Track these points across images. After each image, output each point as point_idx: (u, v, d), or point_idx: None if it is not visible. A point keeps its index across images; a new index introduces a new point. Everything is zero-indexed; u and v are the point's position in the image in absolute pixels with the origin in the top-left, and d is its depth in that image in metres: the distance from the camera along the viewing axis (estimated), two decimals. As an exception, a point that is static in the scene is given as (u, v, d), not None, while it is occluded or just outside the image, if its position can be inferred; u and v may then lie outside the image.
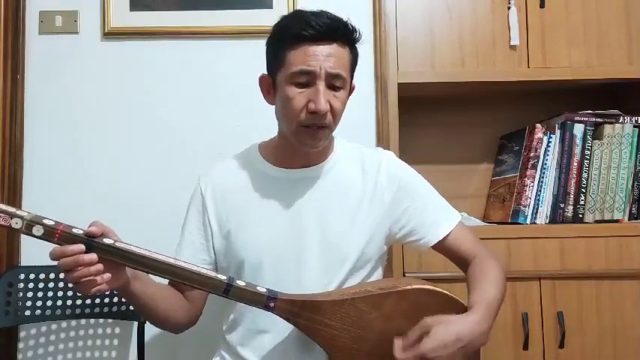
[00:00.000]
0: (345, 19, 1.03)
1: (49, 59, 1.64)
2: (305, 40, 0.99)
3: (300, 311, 0.96)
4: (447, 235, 1.12)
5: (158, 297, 1.04)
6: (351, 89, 1.10)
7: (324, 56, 0.99)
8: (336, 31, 1.00)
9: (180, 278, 0.91)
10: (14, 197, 1.57)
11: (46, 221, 0.87)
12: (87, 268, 0.86)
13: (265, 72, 1.09)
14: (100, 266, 0.87)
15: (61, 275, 1.46)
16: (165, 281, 1.02)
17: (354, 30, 1.03)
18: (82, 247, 0.86)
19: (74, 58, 1.64)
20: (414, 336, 0.91)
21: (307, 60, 0.99)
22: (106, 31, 1.63)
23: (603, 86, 1.67)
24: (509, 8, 1.57)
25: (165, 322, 1.09)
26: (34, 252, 1.56)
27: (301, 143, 1.04)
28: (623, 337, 1.44)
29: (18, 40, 1.61)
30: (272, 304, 0.95)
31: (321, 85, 0.99)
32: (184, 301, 1.10)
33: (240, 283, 0.94)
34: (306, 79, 0.99)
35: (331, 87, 1.00)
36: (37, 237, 0.87)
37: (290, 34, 1.00)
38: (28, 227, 0.86)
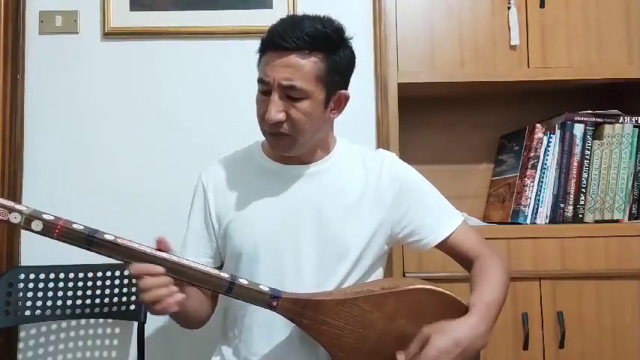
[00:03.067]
0: (324, 21, 1.01)
1: (49, 59, 1.64)
2: (269, 49, 1.01)
3: (302, 310, 0.96)
4: (449, 236, 1.12)
5: (197, 302, 1.07)
6: (342, 98, 1.07)
7: (280, 67, 0.99)
8: (298, 42, 0.98)
9: (183, 276, 0.91)
10: (14, 197, 1.57)
11: (45, 216, 0.85)
12: (165, 288, 0.87)
13: None
14: (174, 287, 0.88)
15: (61, 275, 1.47)
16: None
17: (327, 38, 1.00)
18: (162, 269, 0.87)
19: (74, 58, 1.64)
20: (415, 348, 0.92)
21: (265, 69, 1.01)
22: (106, 31, 1.63)
23: (603, 86, 1.67)
24: (509, 8, 1.57)
25: (197, 323, 1.11)
26: (34, 252, 1.56)
27: (271, 149, 1.09)
28: (623, 337, 1.44)
29: (18, 40, 1.61)
30: (275, 303, 0.95)
31: (275, 96, 1.00)
32: (206, 297, 1.11)
33: (243, 281, 0.94)
34: (265, 88, 1.02)
35: (288, 98, 1.00)
36: (37, 232, 0.85)
37: (262, 41, 1.04)
38: (27, 222, 0.84)
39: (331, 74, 1.02)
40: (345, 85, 1.08)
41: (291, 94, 1.00)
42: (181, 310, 0.92)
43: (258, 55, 1.06)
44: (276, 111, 0.99)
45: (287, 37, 0.98)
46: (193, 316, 1.08)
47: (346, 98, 1.08)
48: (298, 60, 0.99)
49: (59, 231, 0.85)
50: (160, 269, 0.88)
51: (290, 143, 1.04)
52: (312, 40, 0.99)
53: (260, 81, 1.02)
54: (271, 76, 0.99)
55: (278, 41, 0.99)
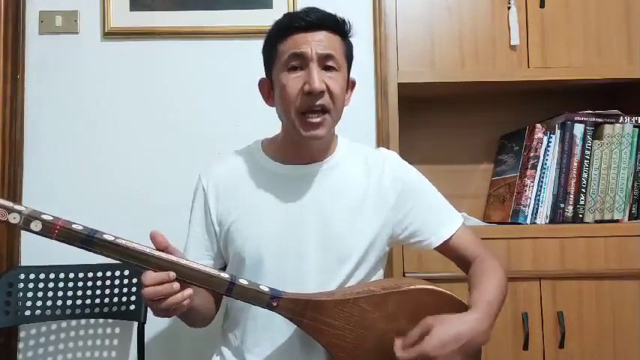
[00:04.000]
0: (334, 13, 1.06)
1: (49, 59, 1.64)
2: (294, 31, 1.02)
3: (303, 311, 0.96)
4: (450, 237, 1.12)
5: (203, 301, 1.07)
6: (351, 83, 1.11)
7: (314, 41, 1.01)
8: (323, 21, 1.03)
9: (183, 276, 0.90)
10: (14, 197, 1.57)
11: (44, 216, 0.84)
12: (176, 296, 0.87)
13: (264, 76, 1.11)
14: (186, 292, 0.89)
15: (61, 275, 1.47)
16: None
17: (343, 22, 1.06)
18: (174, 274, 0.87)
19: (74, 58, 1.64)
20: (415, 335, 0.91)
21: (298, 44, 1.02)
22: (106, 31, 1.63)
23: (603, 86, 1.67)
24: (509, 8, 1.57)
25: (203, 321, 1.12)
26: (34, 252, 1.56)
27: (300, 135, 1.03)
28: (623, 337, 1.44)
29: (18, 40, 1.61)
30: (275, 304, 0.95)
31: (314, 66, 1.00)
32: (210, 295, 1.12)
33: (243, 281, 0.94)
34: (299, 63, 1.02)
35: (325, 68, 1.02)
36: (36, 232, 0.84)
37: (279, 29, 1.05)
38: (26, 222, 0.83)
39: (349, 57, 1.08)
40: (350, 72, 1.11)
41: (328, 64, 1.02)
42: (189, 310, 0.93)
43: (265, 52, 1.08)
44: (320, 80, 1.00)
45: (314, 17, 1.02)
46: (200, 315, 1.08)
47: (354, 84, 1.13)
48: (328, 35, 1.03)
49: (58, 231, 0.85)
50: (172, 275, 0.87)
51: (328, 121, 1.03)
52: (333, 21, 1.04)
53: (293, 56, 1.01)
54: (307, 48, 1.00)
55: (307, 19, 1.01)
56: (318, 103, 1.00)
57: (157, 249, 0.90)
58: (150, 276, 0.87)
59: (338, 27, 1.05)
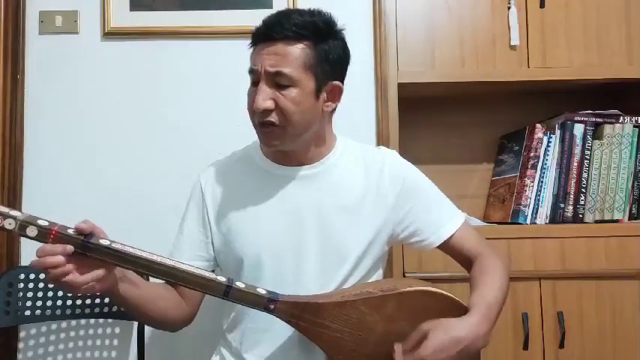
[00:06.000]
0: (314, 13, 1.02)
1: (49, 59, 1.63)
2: (259, 41, 1.02)
3: (300, 313, 0.96)
4: (451, 236, 1.12)
5: (150, 297, 1.02)
6: (335, 88, 1.06)
7: (267, 55, 1.00)
8: (284, 30, 0.99)
9: (179, 280, 0.90)
10: (14, 197, 1.56)
11: (40, 222, 0.84)
12: (61, 267, 0.84)
13: None
14: (69, 265, 0.84)
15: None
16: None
17: (314, 26, 1.01)
18: (71, 247, 0.84)
19: (74, 58, 1.64)
20: (413, 341, 0.91)
21: (254, 59, 1.03)
22: (106, 31, 1.63)
23: (603, 86, 1.66)
24: (509, 8, 1.57)
25: (159, 323, 1.08)
26: (34, 252, 1.55)
27: (261, 143, 1.07)
28: (623, 337, 1.44)
29: (18, 40, 1.60)
30: (272, 306, 0.94)
31: (262, 84, 1.00)
32: (179, 300, 1.08)
33: (240, 284, 0.93)
34: (254, 79, 1.03)
35: (277, 85, 1.00)
36: (32, 238, 0.84)
37: (252, 36, 1.05)
38: (22, 228, 0.83)
39: (320, 63, 1.02)
40: (338, 76, 1.06)
41: (279, 81, 0.99)
42: (123, 299, 0.94)
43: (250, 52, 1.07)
44: (264, 99, 0.99)
45: (274, 27, 1.00)
46: (157, 315, 1.04)
47: (340, 89, 1.07)
48: (285, 47, 0.99)
49: (54, 236, 0.85)
50: (70, 249, 0.84)
51: (279, 134, 1.02)
52: (299, 28, 0.99)
53: (249, 72, 1.03)
54: (258, 64, 1.00)
55: (266, 32, 1.01)
56: (265, 120, 1.01)
57: (84, 232, 0.86)
58: (41, 249, 0.84)
59: (303, 34, 1.00)
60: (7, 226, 0.83)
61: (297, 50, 1.00)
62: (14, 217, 0.83)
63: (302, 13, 1.02)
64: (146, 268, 0.89)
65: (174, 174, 1.60)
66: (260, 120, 1.01)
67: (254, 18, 1.60)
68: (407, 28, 1.57)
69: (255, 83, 1.03)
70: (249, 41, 1.06)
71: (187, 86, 1.65)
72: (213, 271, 1.10)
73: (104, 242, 0.87)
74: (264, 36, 1.01)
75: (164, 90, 1.64)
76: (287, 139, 1.03)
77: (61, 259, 0.84)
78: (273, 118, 1.01)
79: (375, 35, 1.62)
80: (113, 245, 0.88)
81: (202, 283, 0.91)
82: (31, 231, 0.84)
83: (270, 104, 1.00)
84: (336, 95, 1.07)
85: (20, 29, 1.61)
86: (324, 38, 1.02)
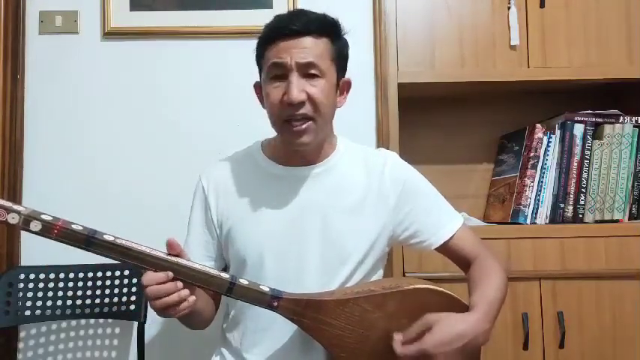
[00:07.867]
0: (323, 13, 1.05)
1: (49, 59, 1.64)
2: (278, 38, 1.01)
3: (303, 311, 0.96)
4: (450, 238, 1.12)
5: (204, 304, 1.07)
6: (345, 84, 1.10)
7: (295, 49, 1.00)
8: (309, 26, 1.01)
9: (183, 277, 0.90)
10: (14, 197, 1.57)
11: (44, 216, 0.84)
12: (177, 294, 0.88)
13: (258, 80, 1.11)
14: (186, 291, 0.89)
15: (61, 275, 1.47)
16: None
17: (333, 24, 1.05)
18: (170, 274, 0.88)
19: (74, 58, 1.64)
20: (415, 331, 0.91)
21: (279, 53, 1.01)
22: (106, 31, 1.63)
23: (603, 86, 1.67)
24: (509, 8, 1.57)
25: (202, 323, 1.12)
26: (34, 252, 1.56)
27: (287, 142, 1.05)
28: (623, 337, 1.44)
29: (18, 40, 1.61)
30: (276, 304, 0.95)
31: (294, 76, 1.00)
32: (209, 297, 1.12)
33: (244, 281, 0.94)
34: (280, 72, 1.01)
35: (307, 76, 1.01)
36: (35, 233, 0.84)
37: (266, 35, 1.04)
38: (26, 222, 0.83)
39: (338, 58, 1.06)
40: (345, 73, 1.11)
41: (310, 72, 1.00)
42: (191, 312, 0.93)
43: (256, 57, 1.07)
44: (299, 90, 0.99)
45: (297, 22, 1.00)
46: (201, 317, 1.08)
47: (350, 85, 1.12)
48: (312, 40, 1.01)
49: (58, 231, 0.85)
50: (170, 275, 0.88)
51: (313, 128, 1.02)
52: (320, 24, 1.02)
53: (274, 65, 1.01)
54: (287, 57, 1.00)
55: (289, 26, 1.00)
56: (299, 112, 1.00)
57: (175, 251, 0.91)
58: (149, 276, 0.88)
59: (325, 30, 1.03)
60: (11, 221, 0.82)
61: (323, 44, 1.03)
62: (18, 212, 0.83)
63: (314, 13, 1.04)
64: (150, 264, 0.89)
65: (174, 174, 1.61)
66: (294, 113, 1.00)
67: (254, 18, 1.64)
68: (407, 28, 1.57)
69: (278, 77, 1.02)
70: (257, 40, 1.06)
71: (187, 86, 1.65)
72: (223, 269, 1.12)
73: (108, 237, 0.87)
74: (286, 32, 1.01)
75: (164, 90, 1.65)
76: (318, 134, 1.04)
77: (180, 284, 0.89)
78: (307, 109, 1.01)
79: (375, 35, 1.63)
80: (118, 241, 0.88)
81: (206, 279, 0.91)
82: (35, 225, 0.84)
83: (304, 96, 1.00)
84: (345, 90, 1.11)
85: (20, 29, 1.62)
86: (338, 36, 1.06)
